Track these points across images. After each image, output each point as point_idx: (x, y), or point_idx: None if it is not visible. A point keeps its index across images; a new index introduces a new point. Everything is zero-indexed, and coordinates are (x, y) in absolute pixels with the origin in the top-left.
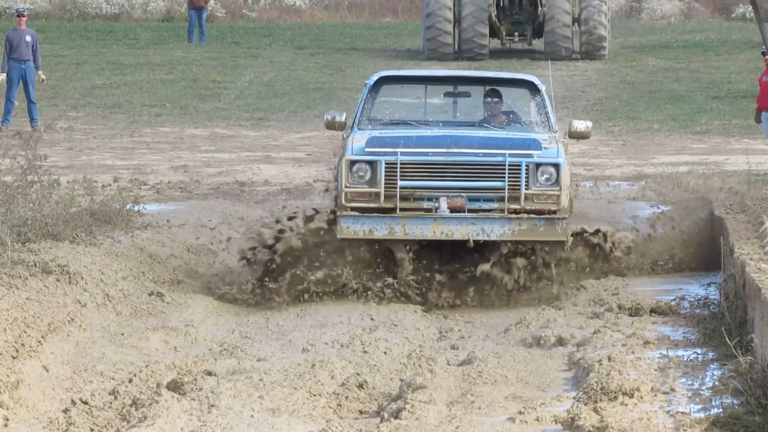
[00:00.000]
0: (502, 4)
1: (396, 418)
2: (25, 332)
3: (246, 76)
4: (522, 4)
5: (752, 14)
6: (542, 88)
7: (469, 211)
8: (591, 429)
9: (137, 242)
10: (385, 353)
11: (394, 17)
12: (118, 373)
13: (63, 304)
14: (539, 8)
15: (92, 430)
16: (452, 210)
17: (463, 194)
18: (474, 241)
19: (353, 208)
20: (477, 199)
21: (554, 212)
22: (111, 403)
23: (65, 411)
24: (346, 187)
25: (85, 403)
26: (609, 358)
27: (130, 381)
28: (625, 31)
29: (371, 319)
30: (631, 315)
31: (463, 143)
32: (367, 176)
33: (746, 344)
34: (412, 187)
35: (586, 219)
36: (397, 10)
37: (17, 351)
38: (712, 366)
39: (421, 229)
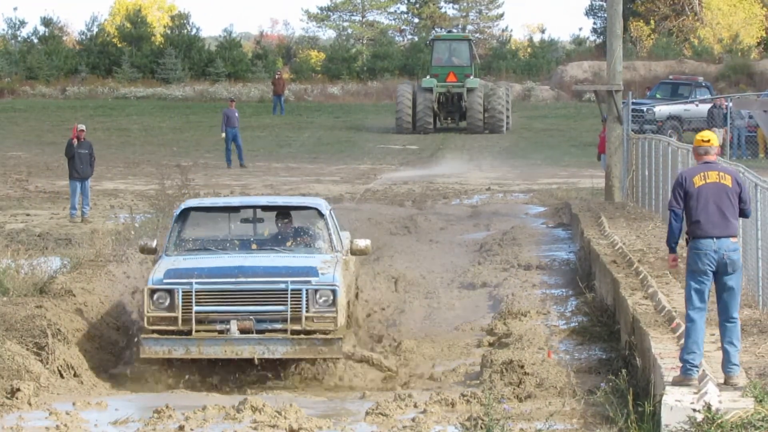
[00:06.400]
0: (441, 101)
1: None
2: None
3: (306, 133)
4: (453, 101)
5: (594, 98)
6: (326, 212)
7: (257, 332)
8: (502, 334)
9: None
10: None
11: (389, 100)
12: None
13: None
14: (463, 103)
15: None
16: (242, 331)
17: (251, 317)
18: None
19: (154, 331)
20: (264, 321)
21: (331, 332)
22: None
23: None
24: (147, 312)
25: None
26: (513, 294)
27: None
28: (521, 108)
29: None
30: (525, 269)
31: (250, 272)
32: (166, 303)
33: (590, 286)
34: (206, 312)
35: (498, 215)
36: (390, 96)
37: None
38: (572, 299)
39: (213, 349)
